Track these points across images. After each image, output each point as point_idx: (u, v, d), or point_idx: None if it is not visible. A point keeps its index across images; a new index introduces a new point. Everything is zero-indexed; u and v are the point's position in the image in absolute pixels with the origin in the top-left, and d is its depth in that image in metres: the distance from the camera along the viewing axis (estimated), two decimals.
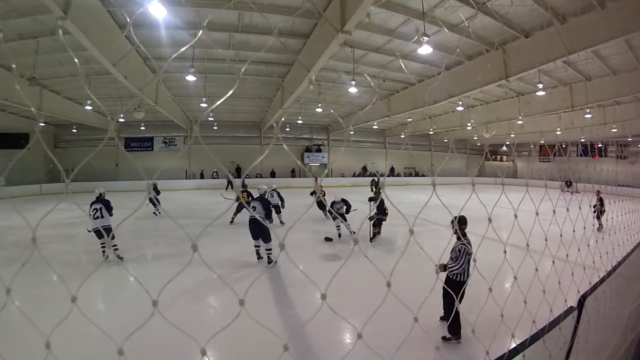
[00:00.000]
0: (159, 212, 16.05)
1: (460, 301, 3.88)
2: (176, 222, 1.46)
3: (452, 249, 5.15)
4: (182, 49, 2.03)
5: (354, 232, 11.33)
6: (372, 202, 11.43)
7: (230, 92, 1.73)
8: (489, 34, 13.05)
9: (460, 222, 5.21)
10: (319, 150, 38.31)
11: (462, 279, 4.94)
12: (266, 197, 11.08)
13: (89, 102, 21.16)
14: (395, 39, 13.86)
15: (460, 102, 20.97)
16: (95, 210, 8.98)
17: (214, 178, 32.99)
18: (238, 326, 1.56)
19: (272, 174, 34.99)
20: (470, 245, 5.05)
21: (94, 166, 28.22)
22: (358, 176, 38.61)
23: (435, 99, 18.41)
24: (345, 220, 10.94)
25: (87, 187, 21.37)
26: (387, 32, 13.37)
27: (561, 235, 2.06)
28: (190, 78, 14.90)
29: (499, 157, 45.42)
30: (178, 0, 10.58)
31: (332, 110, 26.64)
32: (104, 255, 9.31)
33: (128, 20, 12.27)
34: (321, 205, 13.48)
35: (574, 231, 2.50)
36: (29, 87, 16.34)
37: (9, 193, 23.15)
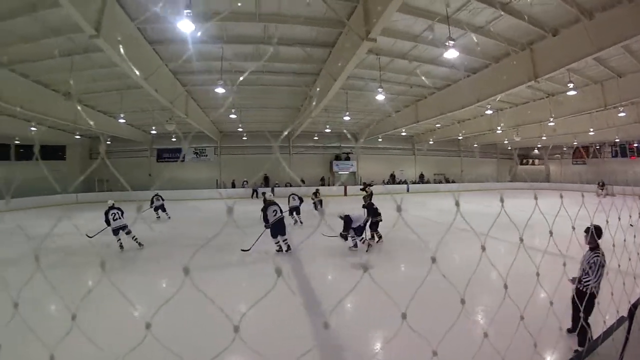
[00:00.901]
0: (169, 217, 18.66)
1: (590, 313, 4.15)
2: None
3: (584, 260, 4.82)
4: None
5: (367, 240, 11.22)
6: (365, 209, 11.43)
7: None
8: (515, 34, 12.77)
9: (596, 232, 4.60)
10: (347, 159, 38.00)
11: (595, 292, 4.61)
12: (288, 200, 16.28)
13: (122, 115, 21.80)
14: (420, 44, 13.75)
15: (489, 106, 20.66)
16: (114, 214, 11.56)
17: (244, 187, 33.33)
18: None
19: (302, 183, 34.93)
20: (604, 257, 4.77)
21: (128, 176, 28.78)
22: (388, 183, 38.02)
23: (463, 103, 18.11)
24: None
25: (122, 197, 24.28)
26: (411, 37, 13.27)
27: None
28: (220, 90, 15.12)
29: (530, 161, 43.32)
30: (205, 16, 10.81)
31: (352, 116, 26.52)
32: (121, 248, 11.40)
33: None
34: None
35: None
36: (65, 102, 17.10)
37: (46, 202, 24.62)
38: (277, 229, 10.38)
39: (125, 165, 31.91)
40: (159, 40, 13.29)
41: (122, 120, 23.19)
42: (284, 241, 10.58)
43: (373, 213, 11.19)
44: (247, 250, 10.73)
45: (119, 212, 11.67)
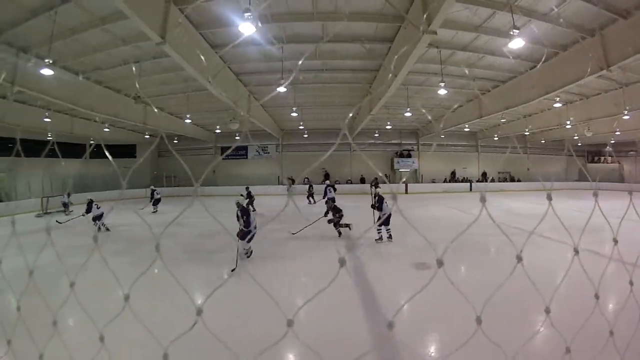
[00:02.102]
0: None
1: None
2: None
3: None
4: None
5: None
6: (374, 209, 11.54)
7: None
8: (583, 19, 11.77)
9: None
10: (409, 156, 37.23)
11: None
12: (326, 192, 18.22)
13: (188, 115, 22.87)
14: (482, 35, 13.20)
15: (558, 98, 19.51)
16: (96, 205, 14.68)
17: (305, 184, 33.77)
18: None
19: (362, 180, 34.95)
20: None
21: (194, 172, 30.44)
22: (450, 181, 37.19)
23: (530, 96, 17.07)
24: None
25: (188, 192, 27.63)
26: (473, 28, 12.74)
27: None
28: (281, 89, 15.43)
29: (602, 158, 39.66)
30: (265, 17, 11.12)
31: (423, 110, 26.16)
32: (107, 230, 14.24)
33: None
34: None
35: None
36: (135, 105, 18.48)
37: (119, 195, 26.82)
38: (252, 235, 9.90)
39: (190, 162, 32.55)
40: (221, 43, 13.84)
41: (188, 121, 24.34)
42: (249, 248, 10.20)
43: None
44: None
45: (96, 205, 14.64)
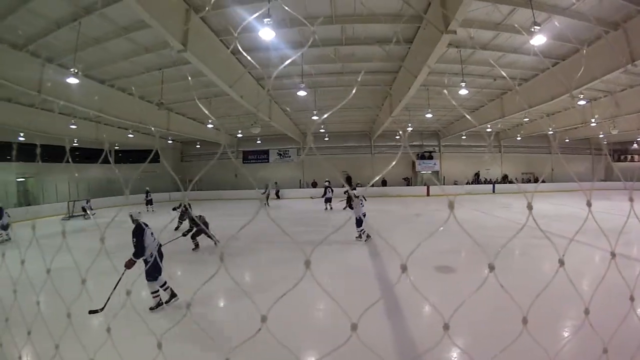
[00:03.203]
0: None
1: None
2: None
3: None
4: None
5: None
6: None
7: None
8: (605, 12, 11.38)
9: None
10: (430, 157, 36.78)
11: None
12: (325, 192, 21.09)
13: (210, 120, 23.21)
14: (502, 33, 12.93)
15: (581, 96, 19.05)
16: None
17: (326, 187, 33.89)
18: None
19: (384, 183, 34.75)
20: None
21: (216, 177, 32.49)
22: (472, 183, 36.67)
23: (553, 94, 16.79)
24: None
25: (210, 195, 30.61)
26: (492, 26, 12.47)
27: None
28: (301, 93, 15.50)
29: (629, 157, 37.62)
30: (283, 22, 11.22)
31: (437, 115, 25.85)
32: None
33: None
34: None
35: None
36: (158, 111, 18.94)
37: (141, 200, 27.17)
38: (157, 266, 6.49)
39: (212, 166, 33.49)
40: (241, 49, 14.00)
41: (210, 126, 24.69)
42: (163, 287, 6.84)
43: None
44: None
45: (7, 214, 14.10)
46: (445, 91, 15.92)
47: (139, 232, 6.46)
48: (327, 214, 20.67)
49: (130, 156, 32.06)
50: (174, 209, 16.01)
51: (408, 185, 35.62)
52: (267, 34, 9.66)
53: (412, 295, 6.29)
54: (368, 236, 12.37)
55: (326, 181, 24.68)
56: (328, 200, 23.28)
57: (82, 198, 23.89)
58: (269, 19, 8.95)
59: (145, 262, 6.54)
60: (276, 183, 32.28)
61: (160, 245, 6.96)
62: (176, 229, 14.08)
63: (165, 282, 6.84)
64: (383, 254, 10.48)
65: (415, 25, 12.32)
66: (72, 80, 12.77)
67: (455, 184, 35.29)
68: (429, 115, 22.72)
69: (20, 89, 14.14)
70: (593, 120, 23.31)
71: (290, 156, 37.23)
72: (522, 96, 19.14)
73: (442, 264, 9.22)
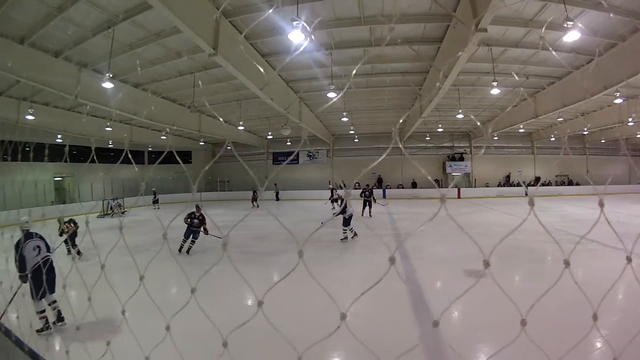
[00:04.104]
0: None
1: None
2: None
3: None
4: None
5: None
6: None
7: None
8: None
9: None
10: (461, 159, 36.00)
11: None
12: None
13: (241, 122, 23.61)
14: (534, 30, 12.48)
15: (618, 93, 18.34)
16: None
17: (356, 189, 33.84)
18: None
19: (414, 185, 34.59)
20: None
21: (247, 178, 32.78)
22: (503, 186, 35.44)
23: (588, 92, 16.10)
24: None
25: (239, 196, 32.09)
26: (523, 22, 12.02)
27: None
28: (331, 95, 15.51)
29: None
30: (312, 24, 11.29)
31: (472, 116, 25.45)
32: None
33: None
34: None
35: None
36: (190, 113, 19.55)
37: (177, 199, 30.18)
38: (38, 281, 5.41)
39: (243, 167, 34.16)
40: (271, 52, 14.24)
41: (241, 127, 25.07)
42: (52, 305, 6.02)
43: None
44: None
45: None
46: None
47: (17, 244, 5.66)
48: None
49: (163, 157, 33.27)
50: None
51: (438, 187, 35.11)
52: (296, 36, 9.75)
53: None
54: (355, 234, 13.02)
55: (356, 182, 24.66)
56: (334, 201, 23.90)
57: (116, 197, 25.19)
58: (297, 22, 9.01)
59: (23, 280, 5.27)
60: (275, 185, 33.01)
61: (50, 261, 5.98)
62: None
63: (54, 301, 6.02)
64: (411, 255, 10.39)
65: (445, 23, 12.14)
66: (107, 85, 13.30)
67: (487, 186, 34.67)
68: (459, 116, 22.40)
69: (58, 93, 14.84)
70: (630, 119, 22.52)
71: (319, 157, 37.38)
72: (555, 95, 18.66)
73: (472, 268, 9.07)
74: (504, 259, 9.51)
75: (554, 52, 13.92)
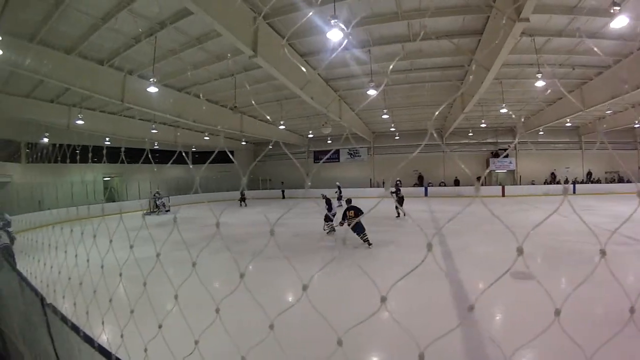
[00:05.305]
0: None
1: None
2: None
3: None
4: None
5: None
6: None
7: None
8: None
9: None
10: (506, 156, 34.57)
11: None
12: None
13: (282, 122, 23.99)
14: (578, 17, 11.73)
15: None
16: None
17: (398, 187, 33.63)
18: None
19: (456, 182, 34.02)
20: None
21: (289, 176, 35.40)
22: (550, 183, 33.64)
23: (638, 82, 15.20)
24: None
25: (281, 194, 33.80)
26: (567, 10, 11.36)
27: None
28: (371, 92, 15.43)
29: None
30: (350, 23, 11.32)
31: (510, 113, 24.72)
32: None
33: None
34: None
35: None
36: (232, 114, 20.16)
37: (222, 197, 31.86)
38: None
39: (284, 166, 36.03)
40: (310, 51, 14.39)
41: (282, 127, 25.45)
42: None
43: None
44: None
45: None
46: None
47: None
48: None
49: (206, 157, 34.20)
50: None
51: (481, 185, 33.92)
52: (334, 34, 9.81)
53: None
54: (333, 229, 14.05)
55: (397, 180, 24.63)
56: (339, 199, 24.68)
57: (161, 195, 26.74)
58: (335, 20, 9.06)
59: None
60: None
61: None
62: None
63: None
64: (455, 254, 10.28)
65: (485, 15, 11.78)
66: (152, 89, 13.79)
67: (533, 184, 33.27)
68: (503, 110, 21.82)
69: (105, 99, 15.74)
70: None
71: (360, 155, 37.41)
72: (603, 86, 17.73)
73: (517, 270, 8.84)
74: (550, 260, 9.36)
75: (595, 49, 13.20)
